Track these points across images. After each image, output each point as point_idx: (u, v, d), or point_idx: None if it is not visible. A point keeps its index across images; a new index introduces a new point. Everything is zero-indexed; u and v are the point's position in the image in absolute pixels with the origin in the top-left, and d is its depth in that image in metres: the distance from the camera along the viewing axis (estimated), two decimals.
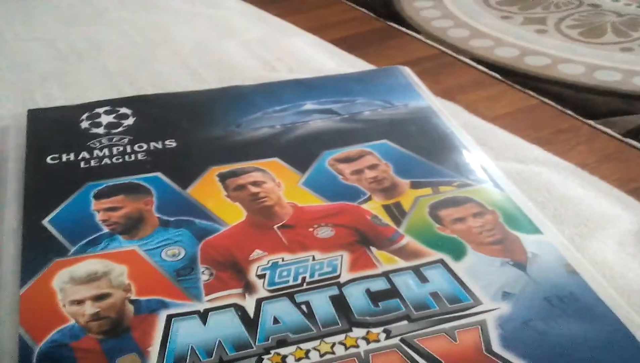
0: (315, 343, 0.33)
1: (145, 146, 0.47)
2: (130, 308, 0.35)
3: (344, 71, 0.61)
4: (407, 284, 0.36)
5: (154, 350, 0.33)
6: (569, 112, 0.58)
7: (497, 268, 0.37)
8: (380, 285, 0.36)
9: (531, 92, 0.61)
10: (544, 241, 0.39)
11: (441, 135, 0.49)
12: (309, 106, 0.52)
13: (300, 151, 0.47)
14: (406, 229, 0.40)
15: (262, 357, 0.32)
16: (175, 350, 0.33)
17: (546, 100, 0.60)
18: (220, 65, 0.63)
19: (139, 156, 0.46)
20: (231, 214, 0.42)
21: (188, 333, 0.34)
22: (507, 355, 0.32)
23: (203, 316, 0.35)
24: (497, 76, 0.64)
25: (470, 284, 0.36)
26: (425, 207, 0.42)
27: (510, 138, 0.52)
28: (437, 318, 0.34)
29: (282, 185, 0.44)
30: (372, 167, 0.46)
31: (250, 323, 0.34)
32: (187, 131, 0.49)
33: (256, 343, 0.33)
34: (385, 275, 0.37)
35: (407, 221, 0.41)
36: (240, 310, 0.35)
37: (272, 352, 0.33)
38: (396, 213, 0.42)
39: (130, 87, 0.59)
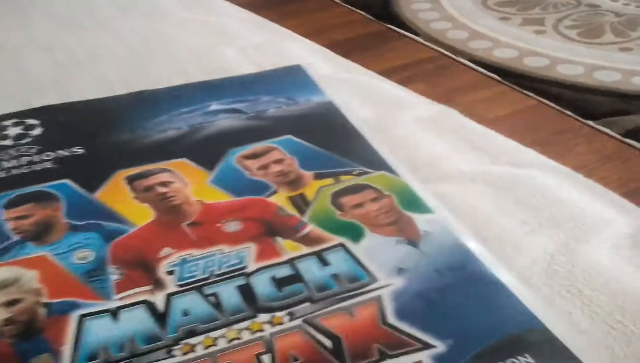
0: (223, 331, 0.35)
1: (52, 155, 0.48)
2: (43, 311, 0.36)
3: (339, 76, 0.62)
4: (310, 269, 0.38)
5: (67, 349, 0.34)
6: (568, 112, 0.58)
7: (392, 247, 0.40)
8: (284, 271, 0.38)
9: (530, 93, 0.61)
10: (435, 220, 0.42)
11: (342, 127, 0.52)
12: (214, 106, 0.54)
13: (207, 150, 0.49)
14: (310, 217, 0.42)
15: (172, 348, 0.34)
16: (88, 347, 0.34)
17: (545, 101, 0.60)
18: (218, 71, 0.63)
19: (47, 165, 0.47)
20: (139, 215, 0.43)
21: (100, 331, 0.35)
22: (400, 325, 0.34)
23: (114, 314, 0.36)
24: (496, 77, 0.64)
25: (367, 263, 0.38)
26: (327, 196, 0.44)
27: (506, 142, 0.52)
28: (337, 297, 0.36)
29: (190, 184, 0.45)
30: (278, 161, 0.48)
31: (160, 317, 0.36)
32: (94, 137, 0.50)
33: (166, 336, 0.34)
34: (290, 262, 0.39)
35: (310, 210, 0.43)
36: (150, 306, 0.36)
37: (182, 342, 0.34)
38: (300, 203, 0.44)
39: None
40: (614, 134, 0.54)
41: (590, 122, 0.56)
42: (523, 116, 0.58)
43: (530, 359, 0.32)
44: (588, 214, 0.44)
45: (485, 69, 0.66)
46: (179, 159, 0.48)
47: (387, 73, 0.63)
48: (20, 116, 0.53)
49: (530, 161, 0.50)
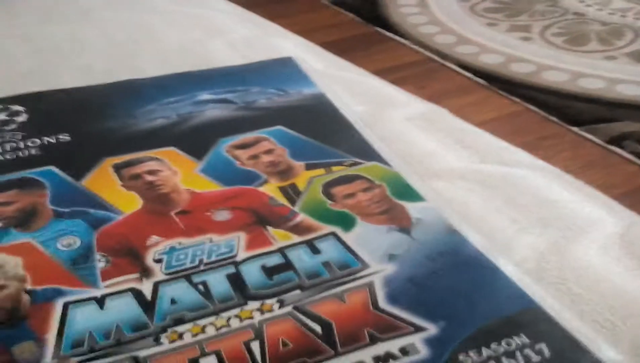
0: (212, 318, 0.34)
1: (38, 141, 0.47)
2: (27, 298, 0.35)
3: (331, 72, 0.61)
4: (301, 257, 0.38)
5: (51, 336, 0.33)
6: (554, 118, 0.58)
7: (383, 234, 0.39)
8: (275, 260, 0.38)
9: (516, 99, 0.61)
10: (427, 207, 0.42)
11: (334, 119, 0.51)
12: (204, 96, 0.53)
13: (196, 140, 0.48)
14: (301, 207, 0.42)
15: (160, 335, 0.33)
16: (73, 335, 0.33)
17: (531, 106, 0.60)
18: (206, 64, 0.62)
19: (32, 151, 0.47)
20: (127, 203, 0.42)
21: (85, 318, 0.34)
22: (392, 309, 0.34)
23: (100, 301, 0.35)
24: (483, 82, 0.65)
25: (358, 251, 0.38)
26: (319, 186, 0.44)
27: (495, 142, 0.52)
28: (328, 284, 0.36)
29: (179, 173, 0.45)
30: (268, 152, 0.47)
31: (148, 305, 0.35)
32: (81, 124, 0.49)
33: (154, 323, 0.34)
34: (280, 250, 0.38)
35: (301, 200, 0.43)
36: (137, 294, 0.35)
37: (169, 330, 0.33)
38: (291, 193, 0.43)
39: None
40: (598, 141, 0.55)
41: (575, 129, 0.57)
42: (509, 120, 0.58)
43: (525, 339, 0.32)
44: (578, 214, 0.44)
45: (472, 73, 0.66)
46: (168, 148, 0.47)
47: (374, 75, 0.63)
48: (4, 102, 0.52)
49: (520, 161, 0.50)
